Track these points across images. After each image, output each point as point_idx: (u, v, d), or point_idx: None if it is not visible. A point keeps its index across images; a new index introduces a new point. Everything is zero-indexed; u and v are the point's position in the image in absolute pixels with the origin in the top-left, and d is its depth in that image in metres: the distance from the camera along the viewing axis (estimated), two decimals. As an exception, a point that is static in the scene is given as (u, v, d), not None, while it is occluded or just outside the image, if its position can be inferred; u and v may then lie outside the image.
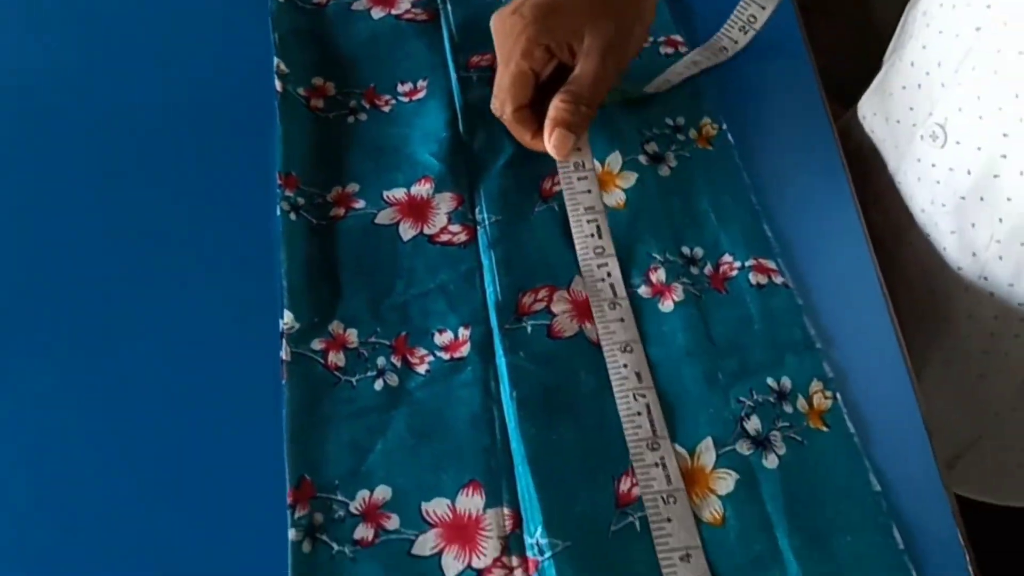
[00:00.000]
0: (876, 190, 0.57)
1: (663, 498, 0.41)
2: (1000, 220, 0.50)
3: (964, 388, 0.59)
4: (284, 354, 0.44)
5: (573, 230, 0.49)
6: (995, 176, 0.49)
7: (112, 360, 0.44)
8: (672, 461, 0.42)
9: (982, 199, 0.51)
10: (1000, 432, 0.59)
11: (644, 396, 0.44)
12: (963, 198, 0.52)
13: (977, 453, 0.60)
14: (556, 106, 0.48)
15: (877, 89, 0.60)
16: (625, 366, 0.45)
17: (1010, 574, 0.55)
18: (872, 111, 0.59)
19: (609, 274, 0.48)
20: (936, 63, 0.52)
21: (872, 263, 0.50)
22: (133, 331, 0.45)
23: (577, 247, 0.49)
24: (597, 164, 0.52)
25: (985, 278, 0.53)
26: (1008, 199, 0.49)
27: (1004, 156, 0.48)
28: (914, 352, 0.50)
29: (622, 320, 0.47)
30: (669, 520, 0.40)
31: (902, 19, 0.58)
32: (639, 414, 0.43)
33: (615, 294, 0.47)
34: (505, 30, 0.49)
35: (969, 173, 0.51)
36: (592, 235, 0.49)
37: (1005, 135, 0.48)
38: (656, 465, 0.42)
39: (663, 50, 0.59)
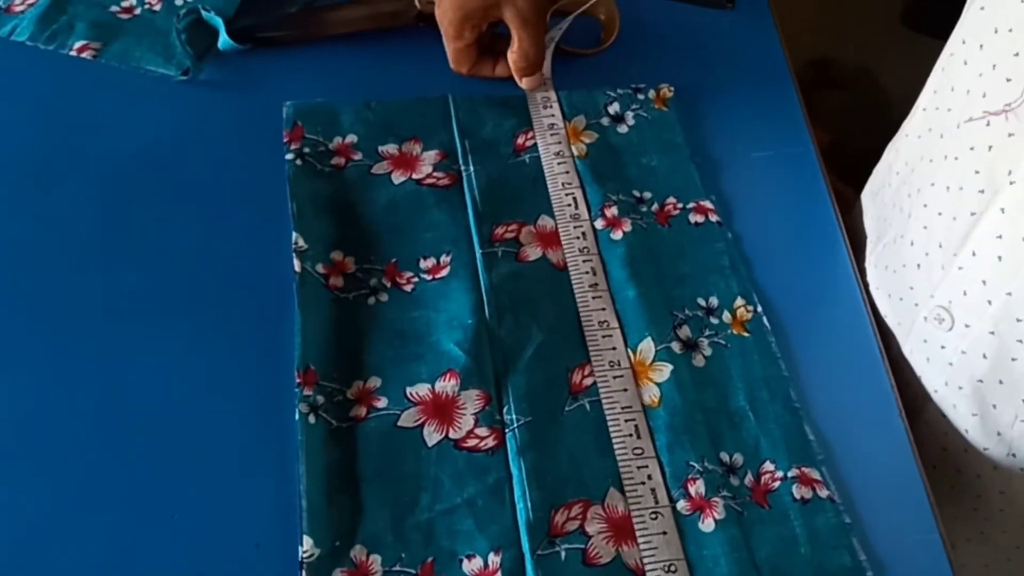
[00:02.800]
0: (891, 357, 0.55)
1: None
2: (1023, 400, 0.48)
3: (1002, 559, 0.57)
4: (304, 582, 0.41)
5: (611, 430, 0.47)
6: (1013, 359, 0.48)
7: None
8: None
9: (1001, 382, 0.49)
10: None
11: None
12: (981, 381, 0.50)
13: None
14: (512, 67, 0.60)
15: (877, 264, 0.58)
16: None
17: None
18: (875, 285, 0.58)
19: (650, 476, 0.46)
20: (937, 244, 0.50)
21: (919, 470, 0.48)
22: (155, 551, 0.42)
23: (616, 449, 0.47)
24: (630, 353, 0.50)
25: (1014, 455, 0.51)
26: None
27: (1020, 341, 0.46)
28: (946, 527, 0.48)
29: (665, 533, 0.44)
30: None
31: (892, 190, 0.56)
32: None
33: (656, 501, 0.45)
34: (442, 10, 0.58)
35: (985, 357, 0.49)
36: (631, 435, 0.47)
37: (1019, 320, 0.46)
38: None
39: (693, 218, 0.57)
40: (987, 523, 0.56)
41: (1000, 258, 0.46)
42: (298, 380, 0.47)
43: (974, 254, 0.47)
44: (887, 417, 0.50)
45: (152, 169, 0.56)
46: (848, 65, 1.16)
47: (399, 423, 0.47)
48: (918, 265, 0.52)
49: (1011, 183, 0.44)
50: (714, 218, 0.57)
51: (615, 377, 0.49)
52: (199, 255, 0.53)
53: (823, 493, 0.46)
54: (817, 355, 0.53)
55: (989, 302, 0.47)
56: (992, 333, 0.48)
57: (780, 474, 0.47)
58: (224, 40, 0.62)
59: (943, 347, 0.51)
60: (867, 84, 1.19)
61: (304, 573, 0.41)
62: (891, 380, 0.51)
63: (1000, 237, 0.46)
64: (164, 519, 0.43)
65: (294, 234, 0.52)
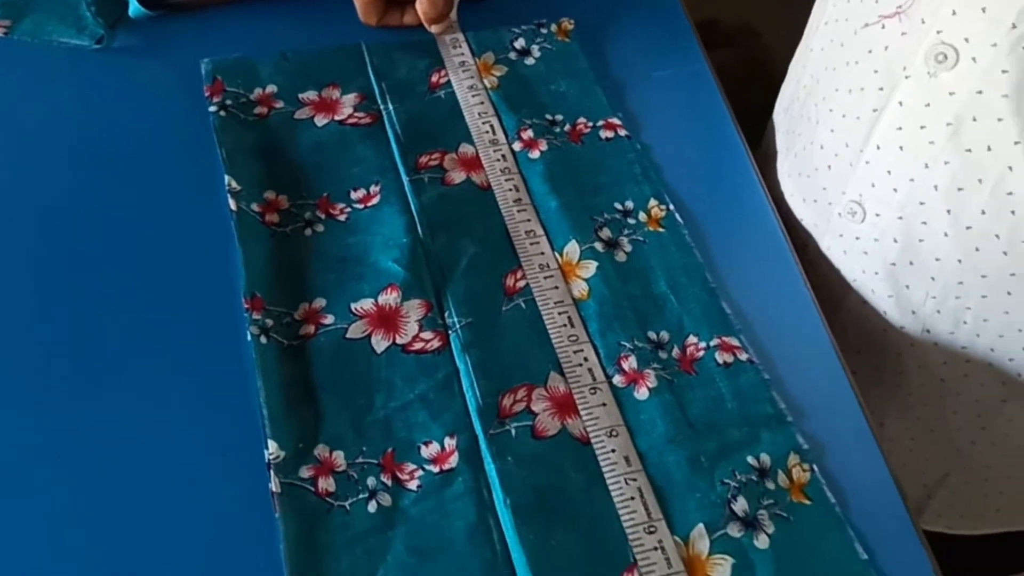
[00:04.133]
0: (808, 259, 0.60)
1: (666, 588, 0.42)
2: (932, 279, 0.53)
3: (925, 430, 0.62)
4: (274, 485, 0.44)
5: (547, 323, 0.51)
6: (920, 240, 0.53)
7: (99, 505, 0.43)
8: (670, 542, 0.43)
9: (912, 263, 0.54)
10: (963, 466, 0.62)
11: (635, 479, 0.45)
12: (893, 264, 0.55)
13: (947, 489, 0.63)
14: (421, 16, 0.62)
15: (790, 172, 0.63)
16: (613, 451, 0.46)
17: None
18: (789, 192, 0.63)
19: (586, 359, 0.50)
20: (844, 144, 0.55)
21: (825, 328, 0.53)
22: (116, 475, 0.44)
23: (552, 338, 0.50)
24: (557, 256, 0.54)
25: (928, 331, 0.56)
26: (936, 259, 0.52)
27: (925, 223, 0.52)
28: (873, 406, 0.52)
29: (604, 405, 0.48)
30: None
31: (800, 102, 0.61)
32: (632, 498, 0.45)
33: (594, 378, 0.49)
34: None
35: (896, 241, 0.54)
36: (565, 325, 0.51)
37: (922, 203, 0.51)
38: (655, 549, 0.43)
39: (603, 134, 0.61)
40: (910, 398, 0.61)
41: (902, 148, 0.51)
42: (246, 306, 0.49)
43: (878, 148, 0.52)
44: (801, 305, 0.54)
45: (78, 138, 0.57)
46: (730, 24, 1.22)
47: (347, 335, 0.50)
48: (829, 167, 0.57)
49: (906, 77, 0.49)
50: (623, 132, 0.61)
51: (546, 277, 0.53)
52: (137, 211, 0.54)
53: (743, 356, 0.50)
54: (728, 248, 0.57)
55: (895, 190, 0.52)
56: (900, 219, 0.53)
57: (703, 344, 0.51)
58: (135, 7, 0.63)
59: (857, 238, 0.56)
60: (749, 41, 1.26)
61: (272, 472, 0.44)
62: (801, 271, 0.55)
63: (900, 128, 0.51)
64: (135, 443, 0.45)
65: (226, 177, 0.55)
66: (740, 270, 0.55)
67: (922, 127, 0.49)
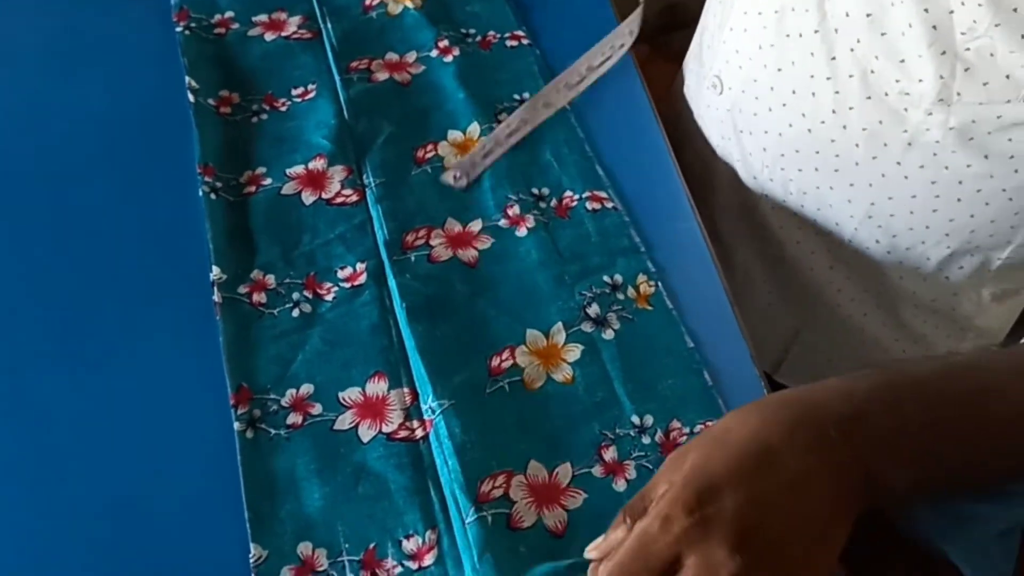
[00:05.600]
0: (687, 129, 0.70)
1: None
2: (764, 149, 0.63)
3: (779, 287, 0.70)
4: (216, 298, 0.55)
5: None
6: (755, 114, 0.62)
7: (70, 341, 0.54)
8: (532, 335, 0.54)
9: (751, 133, 0.64)
10: (812, 327, 0.71)
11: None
12: (741, 131, 0.65)
13: (799, 346, 0.72)
14: None
15: (689, 54, 0.73)
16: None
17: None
18: (686, 71, 0.73)
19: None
20: (715, 26, 0.66)
21: (683, 190, 0.63)
22: (85, 302, 0.55)
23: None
24: (459, 134, 0.65)
25: (766, 195, 0.66)
26: (765, 131, 0.62)
27: (757, 98, 0.62)
28: (738, 256, 0.62)
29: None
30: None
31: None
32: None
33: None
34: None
35: (740, 111, 0.64)
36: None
37: (755, 80, 0.61)
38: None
39: (509, 44, 0.72)
40: (766, 253, 0.69)
41: (745, 30, 0.61)
42: (199, 171, 0.60)
43: (731, 29, 0.63)
44: (657, 150, 0.65)
45: (61, 49, 0.69)
46: (692, 6, 1.32)
47: (282, 192, 0.61)
48: (702, 45, 0.68)
49: None
50: (525, 41, 0.71)
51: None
52: (107, 106, 0.65)
53: (609, 205, 0.61)
54: (605, 121, 0.67)
55: (740, 67, 0.63)
56: (743, 92, 0.63)
57: (577, 196, 0.62)
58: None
59: (716, 109, 0.66)
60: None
61: (215, 288, 0.55)
62: (660, 125, 0.66)
63: (746, 13, 0.61)
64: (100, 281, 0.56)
65: (187, 78, 0.66)
66: (616, 141, 0.66)
67: (759, 12, 0.60)
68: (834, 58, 0.55)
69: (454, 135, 0.65)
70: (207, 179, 0.60)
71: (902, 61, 0.51)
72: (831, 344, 0.71)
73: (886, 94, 0.53)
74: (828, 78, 0.55)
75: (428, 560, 0.46)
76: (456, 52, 0.70)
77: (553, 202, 0.62)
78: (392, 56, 0.70)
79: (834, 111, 0.56)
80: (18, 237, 0.58)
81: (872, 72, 0.53)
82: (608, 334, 0.55)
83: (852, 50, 0.53)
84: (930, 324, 0.66)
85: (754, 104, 0.62)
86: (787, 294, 0.70)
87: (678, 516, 0.37)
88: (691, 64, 0.72)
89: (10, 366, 0.52)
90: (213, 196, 0.60)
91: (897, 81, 0.52)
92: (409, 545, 0.47)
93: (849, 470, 0.39)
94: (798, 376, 0.73)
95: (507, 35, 0.72)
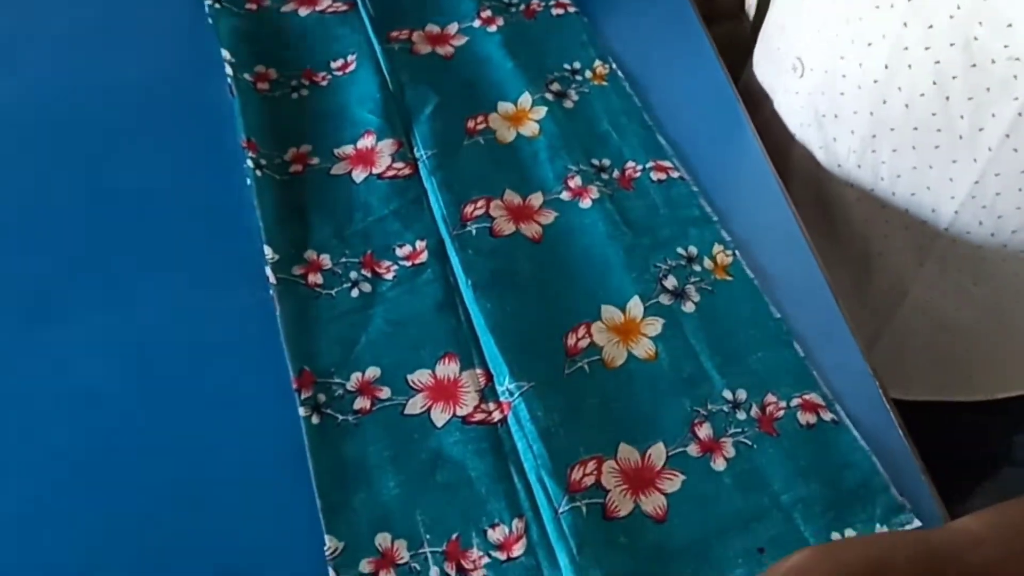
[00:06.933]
0: (763, 119, 0.67)
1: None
2: (852, 132, 0.59)
3: (856, 290, 0.67)
4: (271, 279, 0.51)
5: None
6: (841, 94, 0.59)
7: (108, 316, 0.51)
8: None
9: (836, 116, 0.60)
10: (892, 328, 0.67)
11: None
12: (823, 116, 0.61)
13: (879, 352, 0.68)
14: None
15: (762, 35, 0.70)
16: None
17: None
18: (760, 56, 0.70)
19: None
20: (792, 3, 0.62)
21: (765, 159, 0.60)
22: (132, 285, 0.52)
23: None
24: (510, 105, 0.62)
25: (851, 186, 0.62)
26: (854, 112, 0.59)
27: (844, 76, 0.58)
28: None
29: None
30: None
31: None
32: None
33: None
34: None
35: (823, 94, 0.60)
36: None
37: (842, 57, 0.58)
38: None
39: (555, 12, 0.69)
40: (843, 253, 0.66)
41: (828, 4, 0.58)
42: (243, 145, 0.57)
43: (811, 6, 0.60)
44: (747, 147, 0.62)
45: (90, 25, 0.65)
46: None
47: (331, 172, 0.57)
48: (781, 27, 0.65)
49: None
50: (572, 10, 0.68)
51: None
52: (144, 84, 0.62)
53: (675, 175, 0.58)
54: (673, 88, 0.64)
55: (824, 45, 0.59)
56: (826, 72, 0.59)
57: (640, 167, 0.58)
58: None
59: (797, 92, 0.63)
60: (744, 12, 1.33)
61: (269, 270, 0.52)
62: (746, 114, 0.63)
63: None
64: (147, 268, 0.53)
65: (223, 51, 0.62)
66: (689, 120, 0.62)
67: None
68: (931, 27, 0.51)
69: (504, 106, 0.62)
70: (251, 154, 0.57)
71: (1009, 26, 0.48)
72: (915, 348, 0.67)
73: (992, 61, 0.49)
74: (927, 48, 0.52)
75: (517, 550, 0.43)
76: (500, 22, 0.67)
77: (615, 173, 0.58)
78: (433, 28, 0.67)
79: (935, 83, 0.52)
80: (60, 217, 0.54)
81: (976, 39, 0.50)
82: (688, 307, 0.52)
83: (952, 17, 0.50)
84: None
85: (841, 83, 0.59)
86: (866, 298, 0.66)
87: None
88: (764, 48, 0.69)
89: (64, 355, 0.48)
90: (259, 173, 0.56)
91: (1005, 47, 0.49)
92: (495, 535, 0.43)
93: None
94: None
95: (552, 3, 0.69)
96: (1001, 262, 0.59)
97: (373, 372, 0.48)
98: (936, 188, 0.57)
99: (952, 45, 0.51)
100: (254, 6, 0.68)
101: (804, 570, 0.34)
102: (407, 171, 0.57)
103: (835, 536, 0.43)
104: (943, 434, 0.72)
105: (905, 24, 0.53)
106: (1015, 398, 0.69)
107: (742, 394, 0.48)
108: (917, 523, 0.44)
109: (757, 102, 0.68)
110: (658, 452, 0.46)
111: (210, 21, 0.65)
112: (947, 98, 0.53)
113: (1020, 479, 0.70)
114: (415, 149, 0.59)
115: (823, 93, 0.61)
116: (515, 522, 0.44)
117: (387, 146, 0.58)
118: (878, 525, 0.44)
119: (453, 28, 0.67)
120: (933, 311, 0.64)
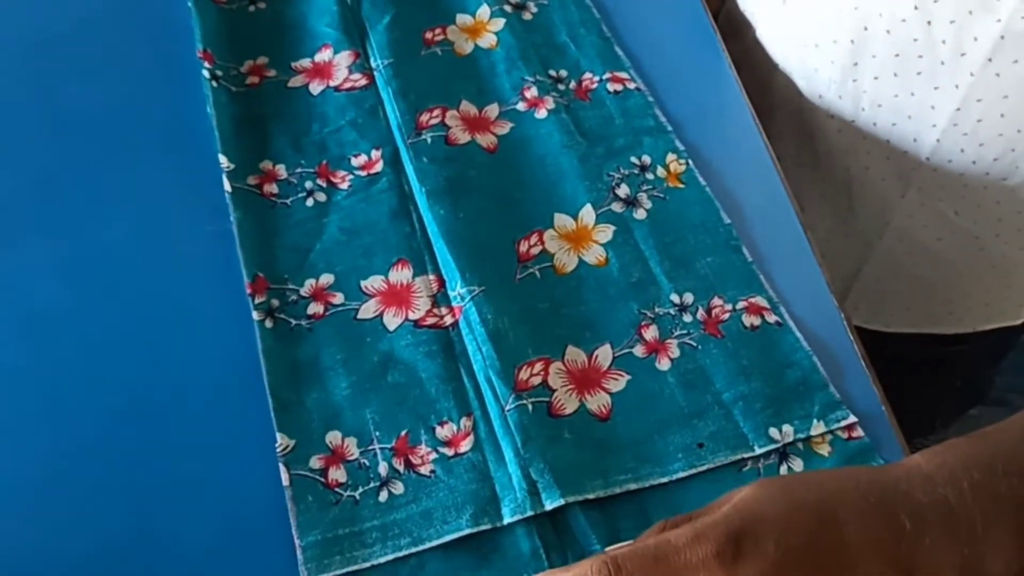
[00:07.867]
0: (745, 47, 0.66)
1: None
2: (833, 62, 0.59)
3: (839, 221, 0.67)
4: (227, 187, 0.52)
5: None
6: (822, 22, 0.58)
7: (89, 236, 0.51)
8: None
9: (817, 45, 0.59)
10: (874, 261, 0.67)
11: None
12: (805, 45, 0.60)
13: (860, 282, 0.69)
14: None
15: None
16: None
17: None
18: None
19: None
20: None
21: (728, 64, 0.60)
22: (89, 197, 0.52)
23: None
24: (468, 17, 0.61)
25: (832, 116, 0.61)
26: (834, 41, 0.57)
27: (826, 2, 0.57)
28: (797, 194, 0.58)
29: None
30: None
31: None
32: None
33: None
34: None
35: (805, 23, 0.59)
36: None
37: None
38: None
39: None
40: (824, 184, 0.66)
41: None
42: (199, 55, 0.57)
43: None
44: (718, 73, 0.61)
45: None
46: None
47: (289, 84, 0.57)
48: None
49: None
50: None
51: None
52: (120, 68, 0.60)
53: (631, 86, 0.58)
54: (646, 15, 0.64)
55: None
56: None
57: (597, 78, 0.59)
58: None
59: (779, 20, 0.62)
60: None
61: (225, 178, 0.52)
62: (714, 26, 0.62)
63: None
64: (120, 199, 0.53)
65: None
66: (656, 33, 0.62)
67: None
68: None
69: (463, 18, 0.62)
70: (207, 65, 0.57)
71: None
72: (897, 279, 0.67)
73: None
74: None
75: (464, 446, 0.44)
76: None
77: (572, 84, 0.59)
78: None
79: (916, 7, 0.52)
80: (15, 139, 0.54)
81: None
82: (640, 214, 0.52)
83: None
84: (1014, 245, 0.62)
85: (823, 10, 0.58)
86: (848, 228, 0.66)
87: (713, 539, 0.33)
88: None
89: (18, 279, 0.49)
90: (215, 84, 0.56)
91: None
92: (443, 432, 0.45)
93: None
94: (859, 317, 0.70)
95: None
96: (983, 190, 0.59)
97: (327, 279, 0.49)
98: (917, 116, 0.57)
99: None
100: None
101: (758, 503, 0.34)
102: (364, 82, 0.57)
103: (773, 432, 0.45)
104: (921, 367, 0.74)
105: None
106: (995, 331, 0.69)
107: (689, 297, 0.49)
108: (853, 419, 0.45)
109: (739, 31, 0.67)
110: (604, 353, 0.47)
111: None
112: (928, 22, 0.52)
113: (992, 418, 0.71)
114: (371, 59, 0.58)
115: (805, 21, 0.60)
116: (463, 420, 0.45)
117: (344, 58, 0.58)
118: (815, 421, 0.45)
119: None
120: (915, 241, 0.64)
